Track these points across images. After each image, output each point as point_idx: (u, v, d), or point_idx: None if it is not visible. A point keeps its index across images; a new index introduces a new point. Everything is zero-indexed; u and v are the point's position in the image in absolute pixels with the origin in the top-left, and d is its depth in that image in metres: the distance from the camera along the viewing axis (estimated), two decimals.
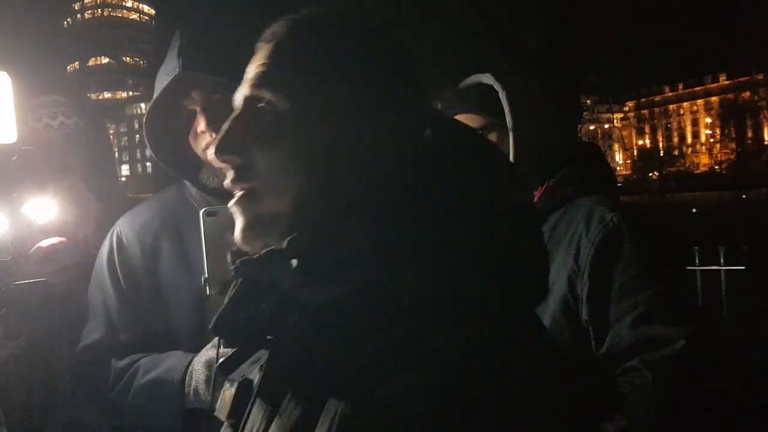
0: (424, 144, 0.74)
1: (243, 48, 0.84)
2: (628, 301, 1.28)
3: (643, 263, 1.31)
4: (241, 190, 0.77)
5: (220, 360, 0.78)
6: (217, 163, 0.79)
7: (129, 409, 1.38)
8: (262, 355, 0.79)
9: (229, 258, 0.77)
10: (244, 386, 0.80)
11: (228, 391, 0.81)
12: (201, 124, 1.39)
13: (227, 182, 0.78)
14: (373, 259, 0.69)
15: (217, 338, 1.29)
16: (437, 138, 0.75)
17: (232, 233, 1.30)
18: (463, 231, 0.70)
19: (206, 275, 1.28)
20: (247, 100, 0.78)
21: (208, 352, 1.33)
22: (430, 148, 0.74)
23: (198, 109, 1.40)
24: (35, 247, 1.45)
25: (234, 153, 0.76)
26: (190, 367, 1.33)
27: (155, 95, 1.42)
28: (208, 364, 1.31)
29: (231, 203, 0.77)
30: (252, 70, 0.79)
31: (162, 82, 1.41)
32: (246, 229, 0.76)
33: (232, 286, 0.76)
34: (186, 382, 1.33)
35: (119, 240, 1.49)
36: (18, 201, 1.36)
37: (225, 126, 0.77)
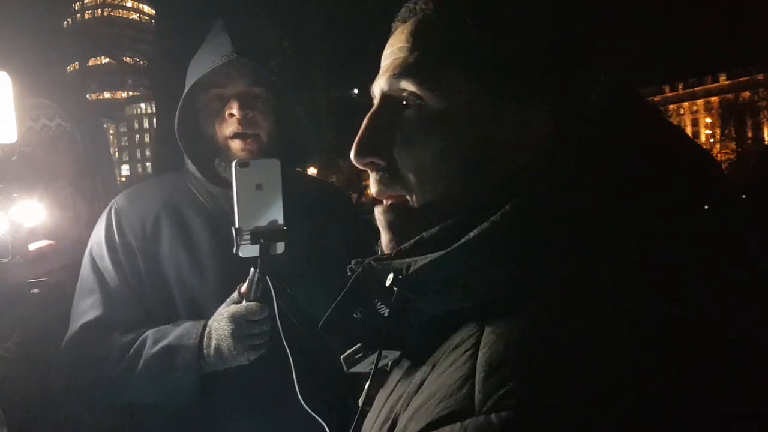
0: (590, 134, 0.61)
1: (280, 48, 0.78)
2: None
3: None
4: (389, 199, 0.67)
5: (345, 354, 0.72)
6: (361, 165, 0.68)
7: (138, 381, 1.34)
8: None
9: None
10: (379, 376, 0.71)
11: (368, 382, 0.77)
12: (233, 108, 1.41)
13: (373, 189, 0.68)
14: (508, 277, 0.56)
15: (236, 293, 1.31)
16: (608, 122, 0.61)
17: (263, 185, 1.29)
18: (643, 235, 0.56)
19: (237, 225, 1.28)
20: (387, 93, 0.66)
21: (228, 309, 1.30)
22: (599, 137, 0.60)
23: (235, 93, 1.42)
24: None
25: (376, 155, 0.66)
26: (207, 327, 1.32)
27: (197, 77, 1.41)
28: (233, 318, 1.28)
29: (377, 212, 0.69)
30: (390, 57, 0.66)
31: (204, 67, 1.41)
32: (391, 242, 0.68)
33: (347, 284, 0.67)
34: (204, 343, 1.30)
35: (117, 216, 1.47)
36: (18, 201, 1.36)
37: (364, 124, 0.67)
